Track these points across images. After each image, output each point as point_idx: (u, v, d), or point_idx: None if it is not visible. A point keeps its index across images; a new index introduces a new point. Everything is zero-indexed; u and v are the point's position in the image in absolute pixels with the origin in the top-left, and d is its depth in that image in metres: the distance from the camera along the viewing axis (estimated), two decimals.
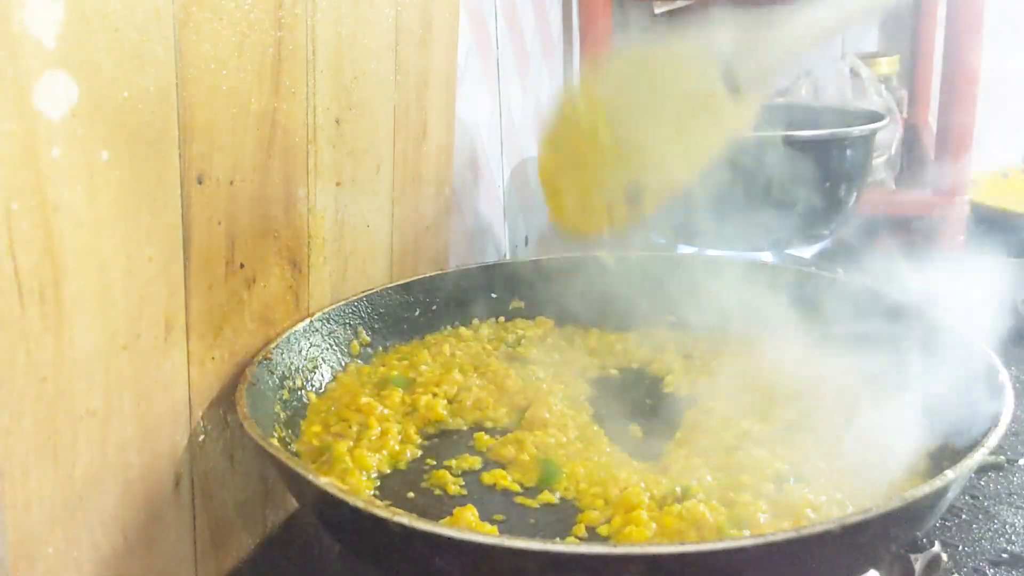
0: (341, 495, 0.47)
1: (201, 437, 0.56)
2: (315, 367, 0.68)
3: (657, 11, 1.60)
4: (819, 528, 0.43)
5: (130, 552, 0.51)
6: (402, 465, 0.62)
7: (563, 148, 0.69)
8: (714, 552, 0.42)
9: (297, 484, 0.53)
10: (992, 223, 1.35)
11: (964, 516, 0.64)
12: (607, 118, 0.66)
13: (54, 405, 0.44)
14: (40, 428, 0.44)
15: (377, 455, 0.61)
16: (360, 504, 0.46)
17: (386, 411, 0.65)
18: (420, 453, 0.63)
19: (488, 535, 0.44)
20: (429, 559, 0.46)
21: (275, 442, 0.58)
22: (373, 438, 0.62)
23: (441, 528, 0.44)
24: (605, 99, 0.67)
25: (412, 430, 0.64)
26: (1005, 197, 1.46)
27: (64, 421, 0.45)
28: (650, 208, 0.69)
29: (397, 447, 0.62)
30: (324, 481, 0.48)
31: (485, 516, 0.55)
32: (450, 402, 0.68)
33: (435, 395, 0.68)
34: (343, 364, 0.71)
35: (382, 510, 0.45)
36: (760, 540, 0.42)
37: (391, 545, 0.46)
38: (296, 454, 0.61)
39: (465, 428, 0.66)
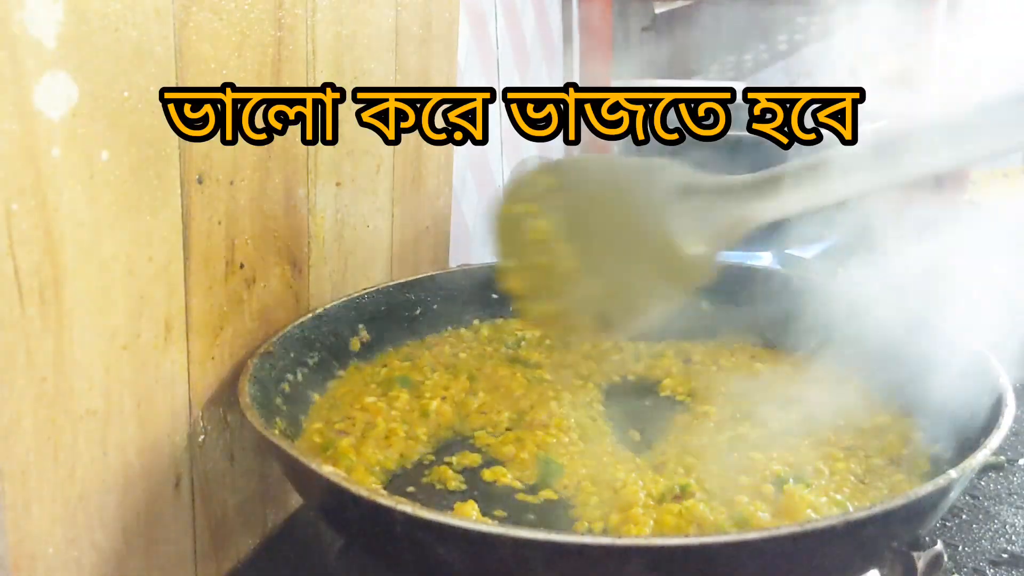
0: (345, 484, 0.47)
1: (201, 437, 0.56)
2: (316, 362, 0.68)
3: (657, 11, 1.60)
4: (823, 523, 0.43)
5: (130, 552, 0.51)
6: (407, 464, 0.62)
7: (520, 256, 0.67)
8: (718, 545, 0.42)
9: (300, 475, 0.53)
10: (991, 223, 1.35)
11: (964, 516, 0.64)
12: (558, 232, 0.64)
13: (54, 405, 0.44)
14: (40, 428, 0.44)
15: (382, 453, 0.61)
16: (364, 493, 0.45)
17: (394, 412, 0.65)
18: (423, 450, 0.64)
19: (492, 525, 0.44)
20: (432, 549, 0.46)
21: (277, 433, 0.58)
22: (379, 437, 0.62)
23: (445, 517, 0.44)
24: (556, 211, 0.65)
25: (421, 431, 0.65)
26: (1005, 197, 1.45)
27: (64, 421, 0.45)
28: (621, 334, 0.67)
29: (403, 446, 0.63)
30: (328, 470, 0.48)
31: (486, 511, 0.55)
32: (456, 405, 0.68)
33: (444, 399, 0.68)
34: (344, 361, 0.71)
35: (386, 499, 0.45)
36: (764, 534, 0.42)
37: (394, 535, 0.46)
38: None
39: (470, 432, 0.66)
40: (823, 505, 0.53)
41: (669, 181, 0.61)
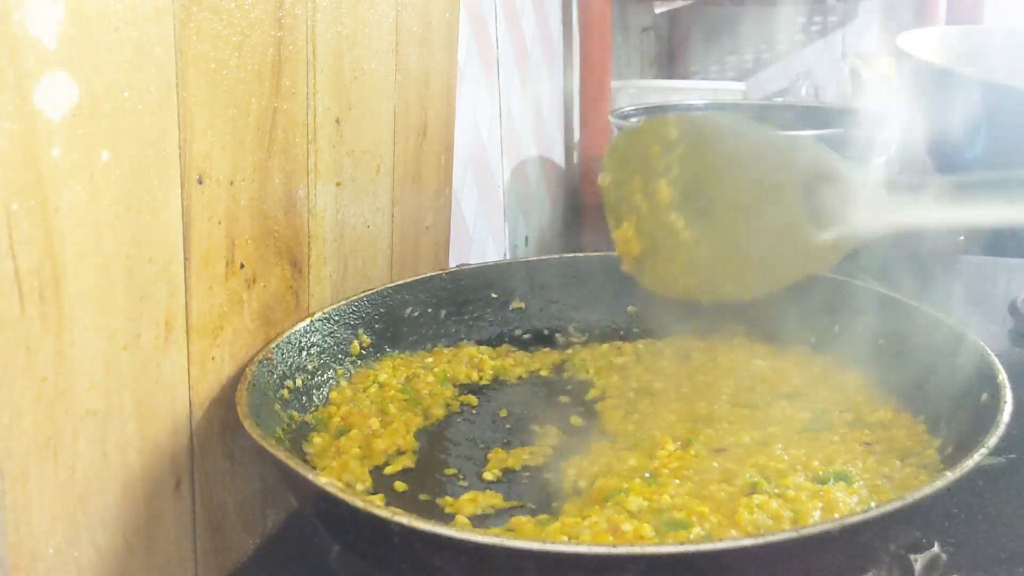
0: (340, 495, 0.47)
1: (201, 437, 0.56)
2: (315, 367, 0.68)
3: (657, 11, 1.60)
4: (819, 528, 0.43)
5: (130, 552, 0.51)
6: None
7: (637, 218, 0.63)
8: (713, 552, 0.42)
9: (296, 483, 0.53)
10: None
11: (964, 516, 0.64)
12: (680, 198, 0.61)
13: (54, 405, 0.44)
14: (40, 428, 0.44)
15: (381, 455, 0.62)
16: (359, 504, 0.46)
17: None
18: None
19: (488, 535, 0.44)
20: (428, 559, 0.46)
21: (274, 441, 0.58)
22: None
23: (440, 528, 0.44)
24: (679, 171, 0.61)
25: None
26: None
27: (64, 421, 0.45)
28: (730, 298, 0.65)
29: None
30: (324, 480, 0.48)
31: None
32: None
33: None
34: (344, 365, 0.71)
35: (381, 510, 0.45)
36: (760, 540, 0.42)
37: (390, 545, 0.46)
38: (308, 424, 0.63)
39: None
40: (862, 502, 0.53)
41: (809, 161, 0.58)
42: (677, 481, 0.55)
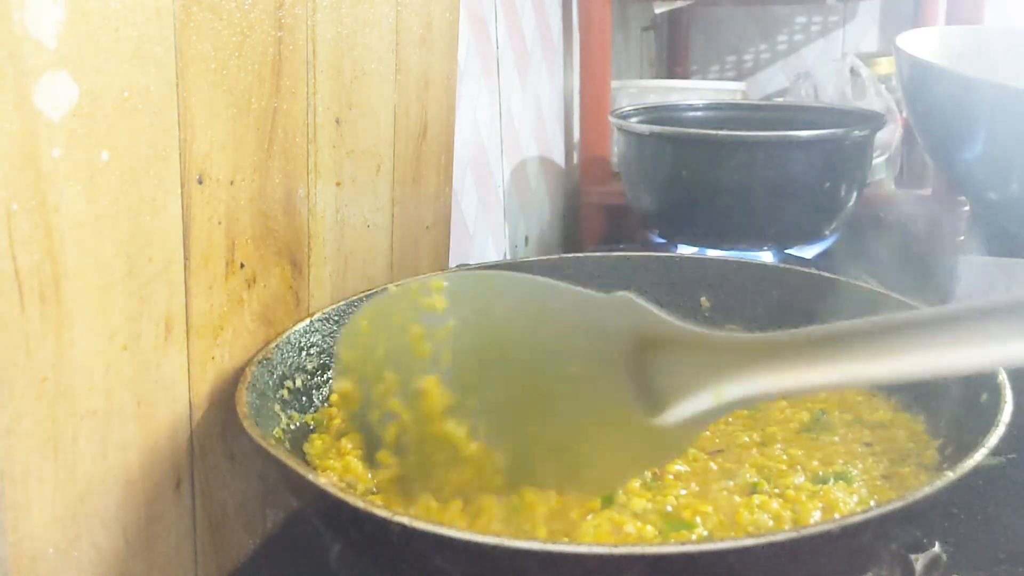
0: (340, 495, 0.47)
1: (201, 437, 0.56)
2: (315, 367, 0.68)
3: (657, 11, 1.60)
4: (819, 528, 0.43)
5: (130, 552, 0.51)
6: None
7: (386, 415, 0.49)
8: (715, 552, 0.42)
9: (295, 484, 0.53)
10: (992, 223, 1.35)
11: (964, 516, 0.64)
12: (454, 392, 0.48)
13: (54, 405, 0.44)
14: (40, 428, 0.44)
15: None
16: (359, 504, 0.46)
17: None
18: None
19: (489, 535, 0.44)
20: (429, 559, 0.46)
21: (274, 442, 0.58)
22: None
23: (441, 528, 0.44)
24: (449, 356, 0.47)
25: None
26: None
27: (64, 421, 0.45)
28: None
29: None
30: (323, 481, 0.48)
31: None
32: None
33: None
34: None
35: (382, 510, 0.45)
36: (761, 540, 0.42)
37: (391, 545, 0.46)
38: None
39: None
40: (862, 502, 0.53)
41: (629, 325, 0.46)
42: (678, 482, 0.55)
